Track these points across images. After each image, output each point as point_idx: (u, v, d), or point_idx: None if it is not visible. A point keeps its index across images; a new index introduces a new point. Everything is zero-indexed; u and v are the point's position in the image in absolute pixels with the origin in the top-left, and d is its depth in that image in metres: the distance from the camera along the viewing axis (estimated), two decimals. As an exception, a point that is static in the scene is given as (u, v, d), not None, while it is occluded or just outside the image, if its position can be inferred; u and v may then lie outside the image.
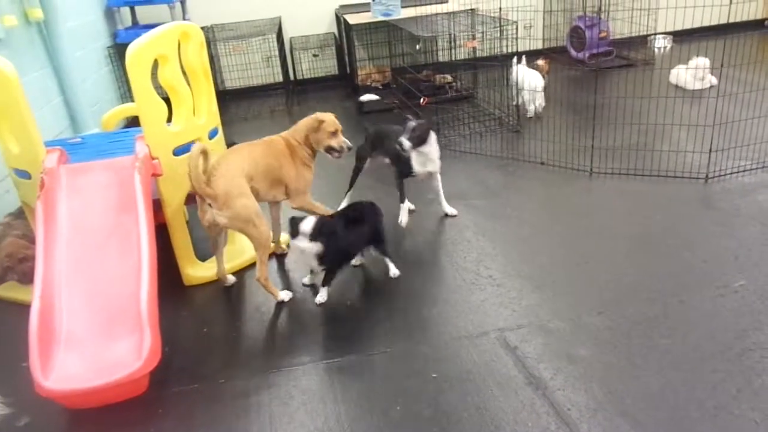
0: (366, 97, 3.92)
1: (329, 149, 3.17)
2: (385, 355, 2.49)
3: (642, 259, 2.97)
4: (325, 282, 2.90)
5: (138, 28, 6.13)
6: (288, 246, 3.28)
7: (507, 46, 5.05)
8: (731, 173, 3.72)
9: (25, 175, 2.87)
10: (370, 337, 2.61)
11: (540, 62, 5.45)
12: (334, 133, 3.15)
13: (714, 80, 5.33)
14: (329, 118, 3.15)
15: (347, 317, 2.78)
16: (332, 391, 2.32)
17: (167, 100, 2.90)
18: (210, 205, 2.74)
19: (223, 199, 2.72)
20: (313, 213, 3.07)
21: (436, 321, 2.68)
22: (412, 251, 3.27)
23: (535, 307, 2.68)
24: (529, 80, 5.04)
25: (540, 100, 5.08)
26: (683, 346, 2.35)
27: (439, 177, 3.54)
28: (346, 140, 3.19)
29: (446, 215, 3.58)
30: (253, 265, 3.26)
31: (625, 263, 2.95)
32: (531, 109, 5.10)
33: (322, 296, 2.89)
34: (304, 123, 3.16)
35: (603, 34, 6.59)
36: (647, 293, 2.69)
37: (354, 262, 3.08)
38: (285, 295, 2.93)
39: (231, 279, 3.13)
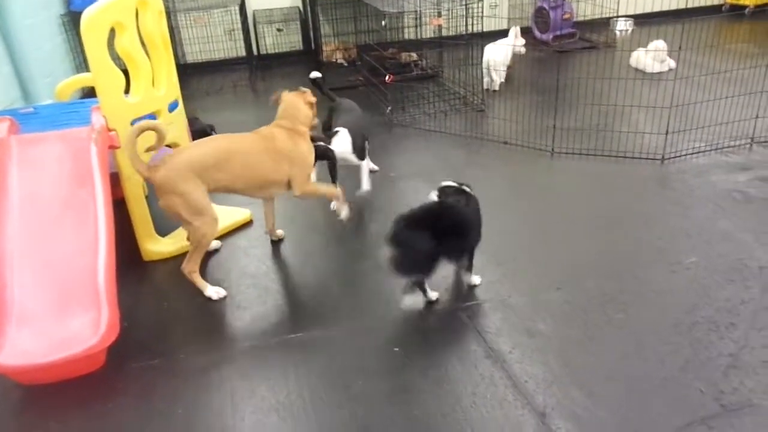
0: (314, 75, 3.86)
1: None
2: (347, 330, 2.50)
3: (600, 237, 3.05)
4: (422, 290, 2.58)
5: (94, -5, 5.89)
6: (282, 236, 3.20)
7: (473, 24, 5.06)
8: (686, 154, 3.83)
9: (-28, 145, 2.75)
10: (333, 313, 2.62)
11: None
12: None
13: (672, 63, 5.45)
14: (308, 90, 3.02)
15: (309, 293, 2.78)
16: (294, 366, 2.32)
17: (125, 72, 2.82)
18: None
19: (158, 188, 2.64)
20: (319, 196, 2.88)
21: (397, 297, 2.70)
22: (374, 226, 3.27)
23: (495, 283, 2.73)
24: (495, 54, 5.22)
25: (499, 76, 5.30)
26: (637, 320, 2.43)
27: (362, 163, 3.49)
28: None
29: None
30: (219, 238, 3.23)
31: (583, 241, 3.02)
32: (496, 81, 5.33)
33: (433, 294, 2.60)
34: (303, 107, 2.93)
35: (567, 16, 6.66)
36: (604, 270, 2.77)
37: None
38: (213, 293, 2.75)
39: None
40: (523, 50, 5.50)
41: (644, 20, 6.66)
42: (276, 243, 3.18)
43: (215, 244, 3.06)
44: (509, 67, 5.53)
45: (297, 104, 2.93)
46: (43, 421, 2.17)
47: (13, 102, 4.27)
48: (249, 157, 2.78)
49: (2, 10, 4.20)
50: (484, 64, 5.25)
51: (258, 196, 2.99)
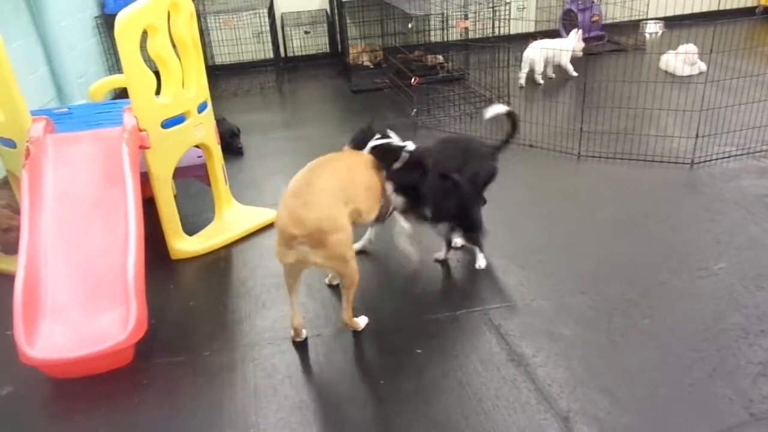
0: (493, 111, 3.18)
1: None
2: (370, 331, 2.51)
3: (626, 242, 3.01)
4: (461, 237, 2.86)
5: (126, -2, 6.02)
6: None
7: (499, 27, 5.04)
8: (717, 159, 3.76)
9: (10, 143, 2.84)
10: (357, 313, 2.63)
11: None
12: None
13: (703, 66, 5.36)
14: None
15: (332, 293, 2.79)
16: (317, 365, 2.35)
17: (156, 73, 2.87)
18: (302, 243, 2.20)
19: (317, 236, 2.17)
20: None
21: (421, 298, 2.71)
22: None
23: (519, 286, 2.71)
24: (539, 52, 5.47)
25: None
26: (662, 325, 2.39)
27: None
28: None
29: None
30: (241, 240, 3.27)
31: (609, 245, 2.99)
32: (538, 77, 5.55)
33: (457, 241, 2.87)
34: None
35: (595, 18, 6.58)
36: (629, 274, 2.73)
37: (438, 255, 2.79)
38: (363, 322, 2.53)
39: (304, 334, 2.49)
40: (579, 54, 5.55)
41: (674, 23, 6.56)
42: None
43: (304, 333, 2.52)
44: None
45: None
46: (70, 413, 2.22)
47: (48, 102, 4.39)
48: (365, 170, 2.49)
49: (40, 13, 4.32)
50: (528, 61, 5.48)
51: (370, 217, 2.57)
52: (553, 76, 5.66)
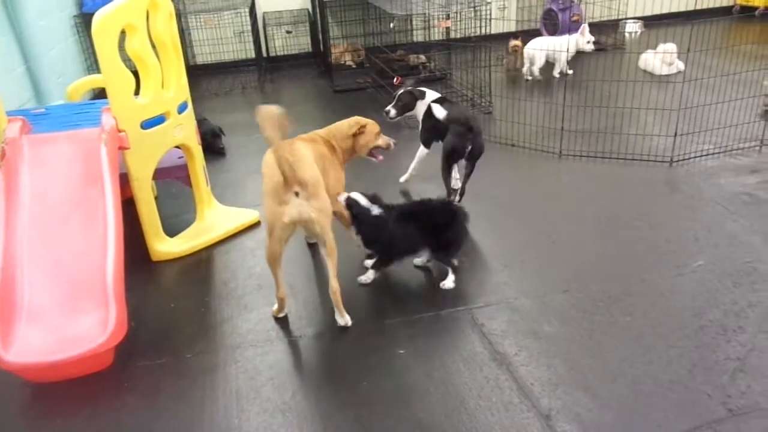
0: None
1: (374, 150, 3.03)
2: (351, 331, 2.51)
3: (607, 240, 3.04)
4: (374, 266, 2.80)
5: (105, -3, 5.95)
6: None
7: (481, 26, 5.05)
8: (695, 157, 3.81)
9: (-15, 145, 2.79)
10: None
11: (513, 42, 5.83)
12: (378, 134, 3.02)
13: (681, 65, 5.43)
14: (371, 122, 3.01)
15: (315, 294, 2.78)
16: (300, 366, 2.34)
17: (135, 73, 2.84)
18: (296, 193, 2.30)
19: (313, 187, 2.32)
20: (341, 218, 2.85)
21: (404, 297, 2.71)
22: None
23: (502, 285, 2.73)
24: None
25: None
26: (643, 323, 2.42)
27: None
28: (390, 138, 3.07)
29: None
30: (223, 241, 3.25)
31: (590, 243, 3.01)
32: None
33: (366, 277, 2.81)
34: (346, 126, 2.95)
35: (575, 18, 6.64)
36: (611, 272, 2.76)
37: (417, 261, 2.88)
38: (348, 320, 2.55)
39: (285, 311, 2.63)
40: (589, 47, 5.58)
41: (653, 22, 6.64)
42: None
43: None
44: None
45: (342, 126, 2.97)
46: (50, 418, 2.19)
47: (25, 102, 4.32)
48: (318, 157, 2.71)
49: (16, 12, 4.25)
50: (528, 57, 5.68)
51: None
52: (540, 78, 5.76)
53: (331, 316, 2.60)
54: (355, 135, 2.96)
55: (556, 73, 5.76)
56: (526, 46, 5.71)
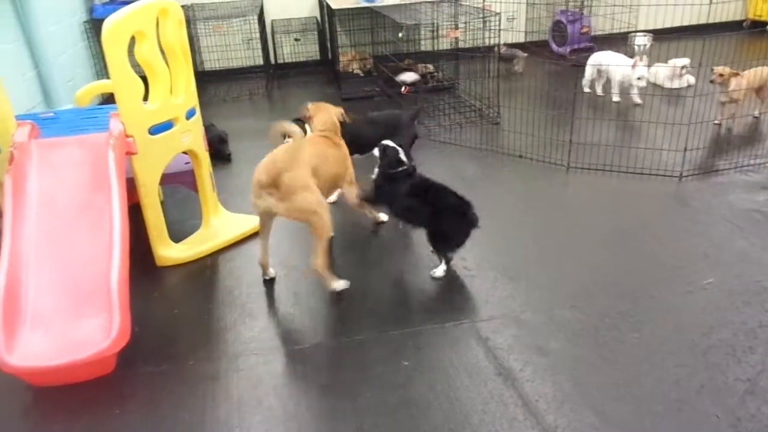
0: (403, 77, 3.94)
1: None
2: (355, 341, 2.49)
3: (615, 255, 3.01)
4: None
5: (116, 3, 5.98)
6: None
7: (490, 37, 5.05)
8: (705, 172, 3.78)
9: (-7, 148, 2.79)
10: (343, 324, 2.61)
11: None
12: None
13: (692, 79, 5.40)
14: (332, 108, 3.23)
15: (320, 304, 2.76)
16: (302, 376, 2.32)
17: (144, 79, 2.84)
18: (270, 193, 2.64)
19: (285, 189, 2.62)
20: (362, 210, 3.26)
21: (409, 309, 2.68)
22: (387, 239, 3.26)
23: (508, 299, 2.70)
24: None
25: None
26: (651, 340, 2.39)
27: None
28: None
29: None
30: (227, 248, 3.24)
31: (598, 258, 2.99)
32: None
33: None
34: (334, 118, 3.16)
35: (584, 30, 6.64)
36: (618, 288, 2.73)
37: (436, 273, 2.87)
38: (339, 285, 2.77)
39: (272, 272, 2.95)
40: (640, 84, 4.97)
41: (663, 35, 6.62)
42: (285, 250, 3.18)
43: (271, 272, 2.98)
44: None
45: (330, 116, 3.16)
46: (49, 423, 2.18)
47: (34, 106, 4.34)
48: (333, 156, 3.01)
49: (29, 17, 4.28)
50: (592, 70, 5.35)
51: (330, 193, 3.14)
52: (603, 94, 5.40)
53: (335, 325, 2.59)
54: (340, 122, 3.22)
55: (614, 98, 5.21)
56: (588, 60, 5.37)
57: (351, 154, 3.43)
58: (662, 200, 3.52)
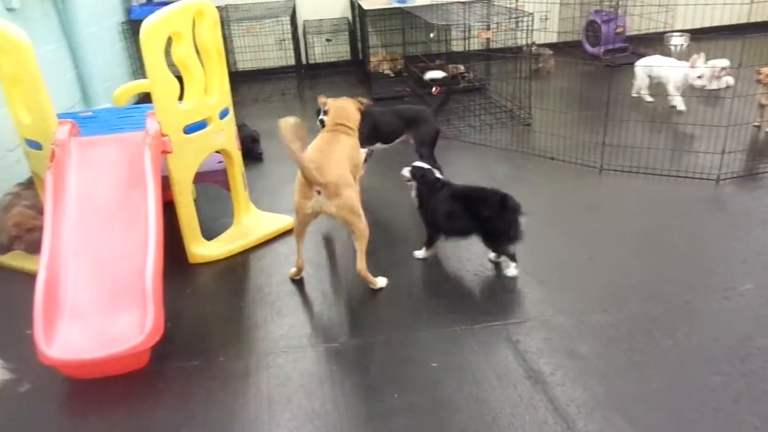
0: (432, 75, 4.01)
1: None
2: (385, 341, 2.49)
3: (648, 258, 2.95)
4: (426, 244, 3.03)
5: (153, 4, 6.11)
6: None
7: (522, 37, 5.01)
8: (743, 176, 3.68)
9: (36, 145, 2.88)
10: (371, 323, 2.62)
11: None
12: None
13: (731, 80, 5.27)
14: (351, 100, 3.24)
15: (348, 302, 2.78)
16: (331, 375, 2.33)
17: (180, 79, 2.90)
18: (318, 192, 2.65)
19: (333, 187, 2.64)
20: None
21: (438, 311, 2.68)
22: (417, 240, 3.26)
23: (538, 302, 2.67)
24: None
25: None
26: (686, 347, 2.34)
27: None
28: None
29: None
30: (258, 246, 3.28)
31: (631, 261, 2.93)
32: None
33: (421, 252, 3.03)
34: (353, 108, 3.16)
35: (619, 30, 6.52)
36: (652, 292, 2.68)
37: (491, 256, 2.94)
38: (382, 282, 2.85)
39: (301, 274, 2.97)
40: (700, 83, 4.64)
41: (701, 35, 6.46)
42: (318, 251, 3.20)
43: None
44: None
45: (347, 107, 3.16)
46: (85, 414, 2.24)
47: (74, 105, 4.45)
48: (355, 150, 3.04)
49: (69, 19, 4.40)
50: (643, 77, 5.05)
51: None
52: (652, 100, 5.11)
53: (363, 325, 2.60)
54: (359, 110, 3.23)
55: (679, 105, 4.82)
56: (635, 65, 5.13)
57: (374, 142, 3.65)
58: (698, 204, 3.45)
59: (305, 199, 2.69)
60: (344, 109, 3.12)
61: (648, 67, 5.02)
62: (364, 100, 3.31)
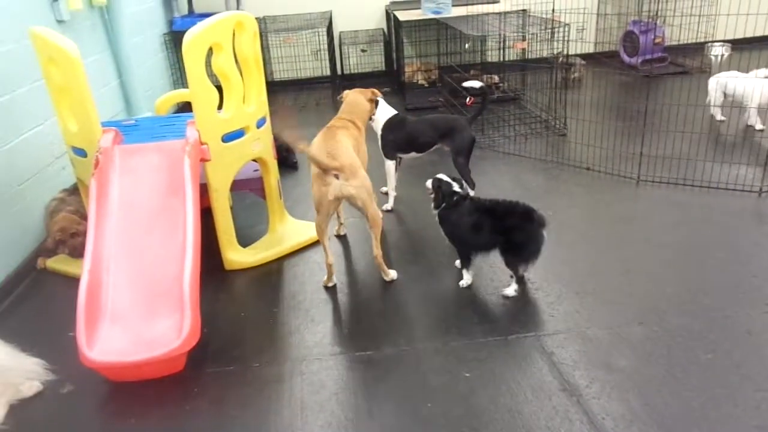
0: (469, 84, 4.09)
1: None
2: (418, 351, 2.49)
3: (687, 271, 2.89)
4: (462, 264, 2.95)
5: (194, 16, 6.27)
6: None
7: (558, 48, 4.98)
8: (787, 189, 3.58)
9: (81, 153, 2.98)
10: (405, 333, 2.62)
11: None
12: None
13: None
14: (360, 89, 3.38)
15: (382, 311, 2.79)
16: (364, 384, 2.33)
17: (219, 88, 2.97)
18: (336, 176, 2.74)
19: (349, 169, 2.76)
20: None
21: (472, 320, 2.66)
22: (451, 251, 3.25)
23: (573, 313, 2.64)
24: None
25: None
26: (727, 362, 2.27)
27: None
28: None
29: None
30: (292, 254, 3.32)
31: (669, 274, 2.87)
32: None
33: (465, 280, 2.92)
34: (365, 102, 3.30)
35: (658, 40, 6.43)
36: (691, 306, 2.62)
37: (508, 292, 2.81)
38: (393, 275, 3.00)
39: (334, 280, 3.00)
40: None
41: (743, 45, 6.32)
42: (348, 255, 3.23)
43: (334, 280, 3.04)
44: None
45: (359, 100, 3.29)
46: (125, 416, 2.28)
47: (117, 113, 4.60)
48: (359, 142, 3.13)
49: (115, 30, 4.55)
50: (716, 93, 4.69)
51: None
52: (724, 119, 4.77)
53: (396, 334, 2.60)
54: (371, 101, 3.37)
55: (758, 125, 4.53)
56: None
57: (408, 152, 3.73)
58: (740, 216, 3.36)
59: (325, 187, 2.77)
60: (356, 103, 3.26)
61: (724, 82, 4.61)
62: (377, 91, 3.43)
